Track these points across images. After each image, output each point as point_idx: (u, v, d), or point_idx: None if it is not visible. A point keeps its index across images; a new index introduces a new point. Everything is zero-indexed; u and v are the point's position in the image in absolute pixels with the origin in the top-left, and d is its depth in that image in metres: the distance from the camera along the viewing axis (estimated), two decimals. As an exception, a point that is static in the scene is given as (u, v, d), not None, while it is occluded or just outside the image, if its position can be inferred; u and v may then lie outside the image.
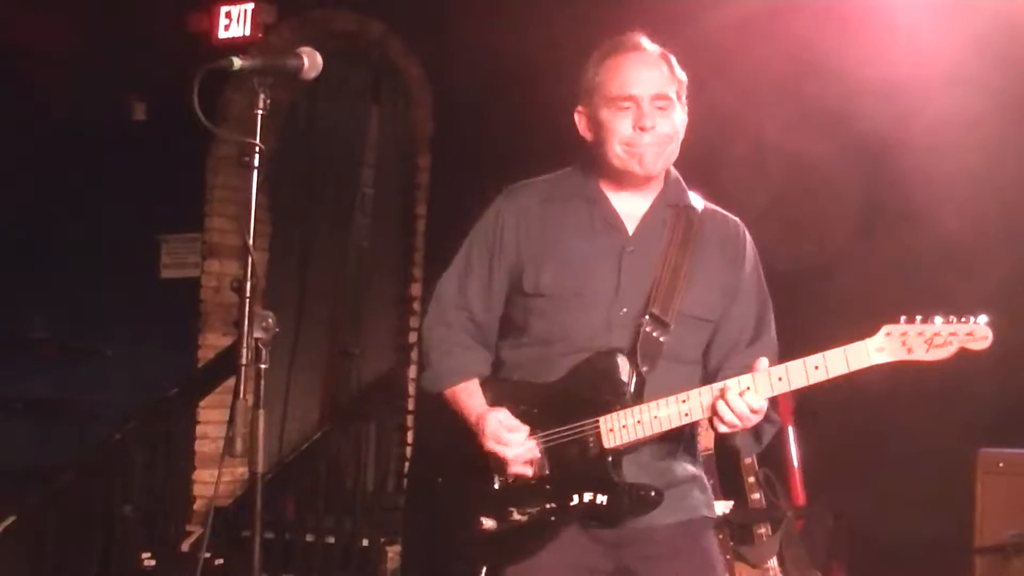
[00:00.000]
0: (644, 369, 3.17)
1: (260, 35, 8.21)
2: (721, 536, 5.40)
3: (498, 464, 3.22)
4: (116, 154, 8.67)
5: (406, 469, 7.49)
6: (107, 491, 7.75)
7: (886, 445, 5.72)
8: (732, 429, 3.08)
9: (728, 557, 5.38)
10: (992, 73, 5.53)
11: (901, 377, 4.90)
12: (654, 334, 3.19)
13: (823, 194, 5.84)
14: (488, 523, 3.24)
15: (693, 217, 3.33)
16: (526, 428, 3.20)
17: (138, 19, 8.33)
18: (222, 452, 2.87)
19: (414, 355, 7.43)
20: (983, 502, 5.05)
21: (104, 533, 7.77)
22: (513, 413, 3.22)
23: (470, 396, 3.31)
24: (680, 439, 3.24)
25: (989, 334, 2.97)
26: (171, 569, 7.67)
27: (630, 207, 3.32)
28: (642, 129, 3.20)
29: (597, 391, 3.18)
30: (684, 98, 3.31)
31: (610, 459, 3.16)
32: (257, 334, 2.84)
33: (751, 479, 5.47)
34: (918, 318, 2.98)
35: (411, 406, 7.48)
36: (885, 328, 2.99)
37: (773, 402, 3.17)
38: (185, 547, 7.88)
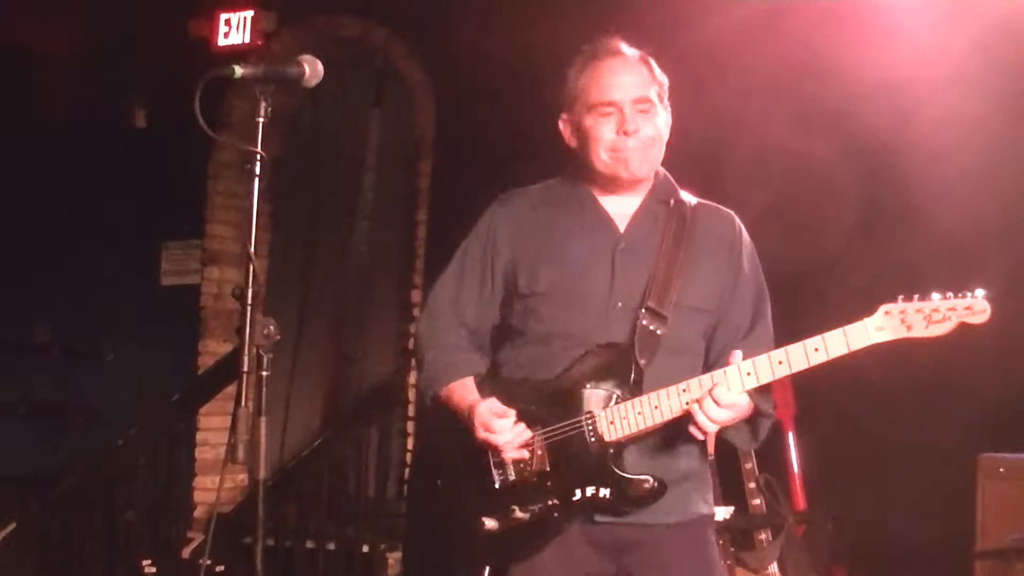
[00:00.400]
0: (643, 362, 3.19)
1: (260, 42, 8.20)
2: (722, 542, 5.39)
3: (498, 457, 3.23)
4: (117, 160, 8.67)
5: (407, 475, 7.50)
6: (108, 497, 7.76)
7: (887, 449, 5.72)
8: (709, 428, 3.09)
9: (729, 563, 5.38)
10: (992, 74, 5.54)
11: (901, 381, 4.92)
12: (651, 327, 3.21)
13: (823, 194, 5.84)
14: (490, 523, 3.25)
15: (685, 211, 3.35)
16: (513, 412, 3.21)
17: (138, 26, 8.33)
18: (224, 459, 2.87)
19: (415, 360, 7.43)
20: (984, 506, 5.05)
21: (105, 539, 7.78)
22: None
23: (464, 392, 3.32)
24: (680, 432, 3.24)
25: (987, 307, 2.97)
26: (172, 576, 7.68)
27: (620, 208, 3.35)
28: (625, 134, 3.23)
29: (596, 385, 3.20)
30: (666, 100, 3.33)
31: (612, 452, 3.18)
32: (258, 341, 2.85)
33: (751, 484, 5.47)
34: (916, 296, 3.00)
35: (412, 412, 7.48)
36: (883, 307, 3.01)
37: (762, 393, 3.19)
38: (186, 554, 7.88)
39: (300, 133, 8.70)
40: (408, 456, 7.53)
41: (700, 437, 3.14)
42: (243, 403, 2.84)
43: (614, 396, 3.18)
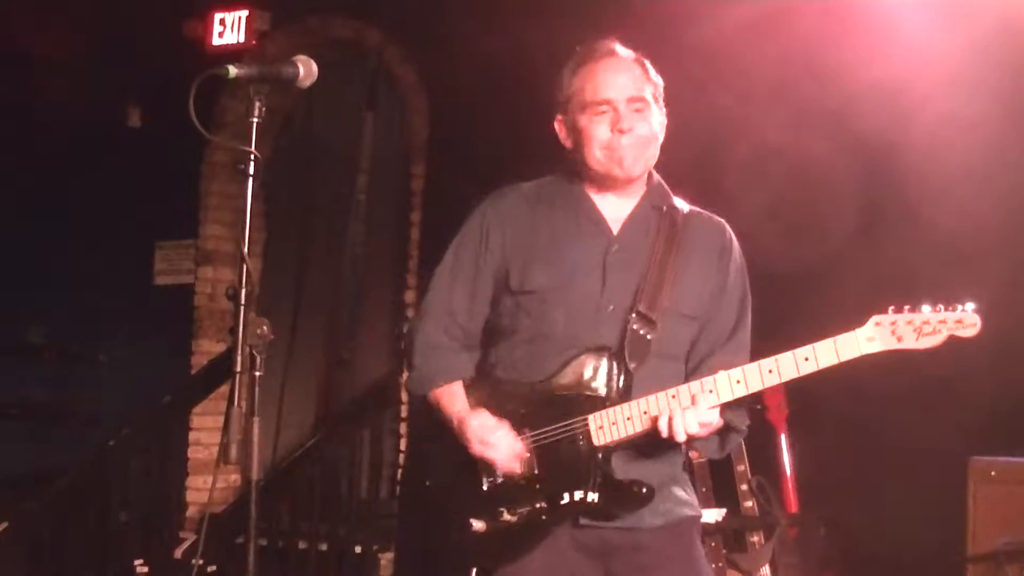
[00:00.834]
0: (632, 366, 3.20)
1: (254, 41, 8.21)
2: (714, 544, 5.40)
3: (487, 465, 3.24)
4: (111, 160, 8.67)
5: (400, 476, 7.49)
6: (101, 497, 7.75)
7: (879, 453, 5.72)
8: (679, 437, 3.10)
9: (721, 564, 5.39)
10: (991, 74, 5.54)
11: (895, 384, 4.92)
12: (641, 331, 3.21)
13: (823, 194, 5.84)
14: (478, 524, 3.25)
15: (678, 218, 3.35)
16: (506, 424, 3.22)
17: (132, 25, 8.32)
18: (216, 459, 2.87)
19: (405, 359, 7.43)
20: (975, 510, 5.05)
21: (98, 539, 7.77)
22: (500, 414, 3.24)
23: (452, 399, 3.33)
24: (665, 441, 3.24)
25: (978, 321, 2.98)
26: (164, 576, 7.68)
27: (614, 209, 3.35)
28: (620, 132, 3.23)
29: (586, 389, 3.20)
30: (661, 100, 3.33)
31: (600, 456, 3.18)
32: (252, 341, 2.85)
33: (744, 487, 5.47)
34: (906, 308, 3.00)
35: (405, 413, 7.48)
36: (874, 318, 3.02)
37: (736, 410, 3.22)
38: (178, 554, 7.87)
39: (294, 134, 8.71)
40: (401, 457, 7.53)
41: (680, 439, 3.13)
42: (236, 403, 2.84)
43: (603, 401, 3.19)
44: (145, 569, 7.69)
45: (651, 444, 3.25)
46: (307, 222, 8.81)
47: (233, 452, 2.83)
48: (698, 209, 3.43)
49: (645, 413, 3.14)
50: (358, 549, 7.26)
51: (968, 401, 5.33)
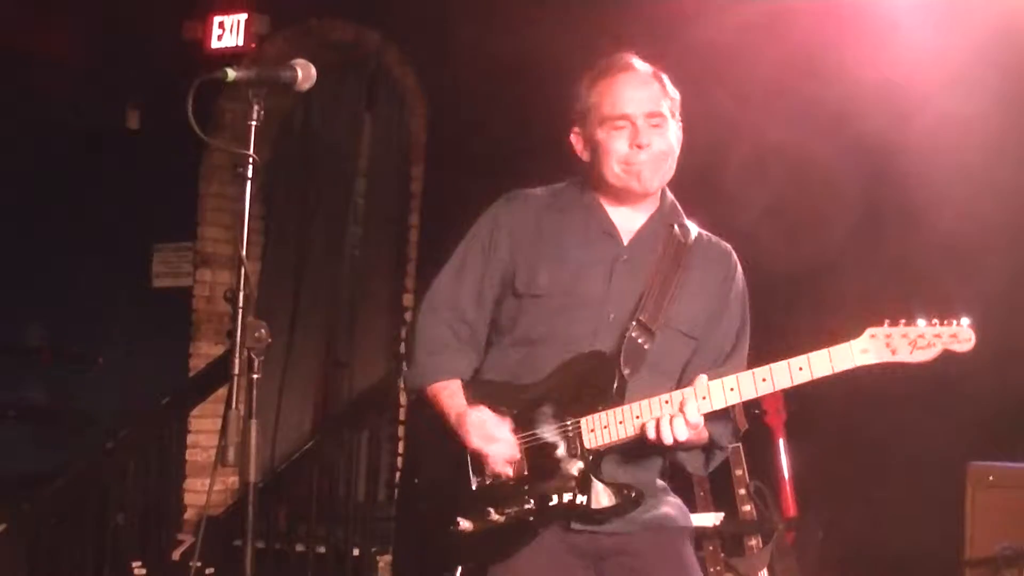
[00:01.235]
0: (627, 371, 3.21)
1: (253, 45, 8.21)
2: (712, 548, 5.40)
3: (479, 462, 3.24)
4: (109, 162, 8.68)
5: (397, 479, 7.49)
6: (99, 499, 7.75)
7: (878, 457, 5.72)
8: (667, 441, 3.09)
9: (719, 568, 5.39)
10: (992, 74, 5.54)
11: (892, 389, 4.92)
12: (639, 340, 3.23)
13: (823, 194, 5.84)
14: (465, 524, 3.25)
15: (687, 237, 3.38)
16: (508, 421, 3.23)
17: (132, 28, 8.32)
18: (214, 461, 2.87)
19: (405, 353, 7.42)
20: (973, 515, 5.05)
21: (95, 541, 7.76)
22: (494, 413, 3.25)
23: (451, 396, 3.33)
24: (656, 448, 3.25)
25: (972, 336, 3.00)
26: (162, 578, 7.67)
27: (626, 221, 3.37)
28: (638, 147, 3.25)
29: (579, 392, 3.22)
30: (678, 115, 3.36)
31: (591, 459, 3.20)
32: (250, 344, 2.85)
33: (742, 491, 5.47)
34: (902, 321, 3.02)
35: (403, 416, 7.47)
36: (869, 330, 3.03)
37: (724, 426, 3.24)
38: (176, 556, 7.87)
39: (293, 137, 8.71)
40: (399, 460, 7.53)
41: (667, 443, 3.12)
42: (234, 405, 2.84)
43: (596, 404, 3.20)
44: (143, 571, 7.69)
45: (639, 451, 3.26)
46: (305, 225, 8.81)
47: (231, 454, 2.83)
48: (707, 233, 3.46)
49: (637, 417, 3.15)
50: (356, 551, 7.26)
51: (967, 406, 5.33)
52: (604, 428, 3.18)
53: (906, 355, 3.01)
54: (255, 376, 2.86)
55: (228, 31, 8.25)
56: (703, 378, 3.12)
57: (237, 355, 2.85)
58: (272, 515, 7.39)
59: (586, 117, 3.33)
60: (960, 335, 3.00)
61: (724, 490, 5.46)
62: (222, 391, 7.09)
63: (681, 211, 3.44)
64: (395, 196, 8.27)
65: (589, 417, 3.19)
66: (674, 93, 3.36)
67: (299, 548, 7.39)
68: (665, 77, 3.36)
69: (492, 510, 3.23)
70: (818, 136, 5.78)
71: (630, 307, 3.26)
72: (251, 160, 2.90)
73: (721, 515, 5.43)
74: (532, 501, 3.22)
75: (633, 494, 3.18)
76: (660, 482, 3.38)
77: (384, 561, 7.22)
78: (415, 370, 3.42)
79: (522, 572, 3.23)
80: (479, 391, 3.32)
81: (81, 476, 7.77)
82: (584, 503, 3.19)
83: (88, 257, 8.67)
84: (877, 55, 5.78)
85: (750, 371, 3.10)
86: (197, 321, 8.64)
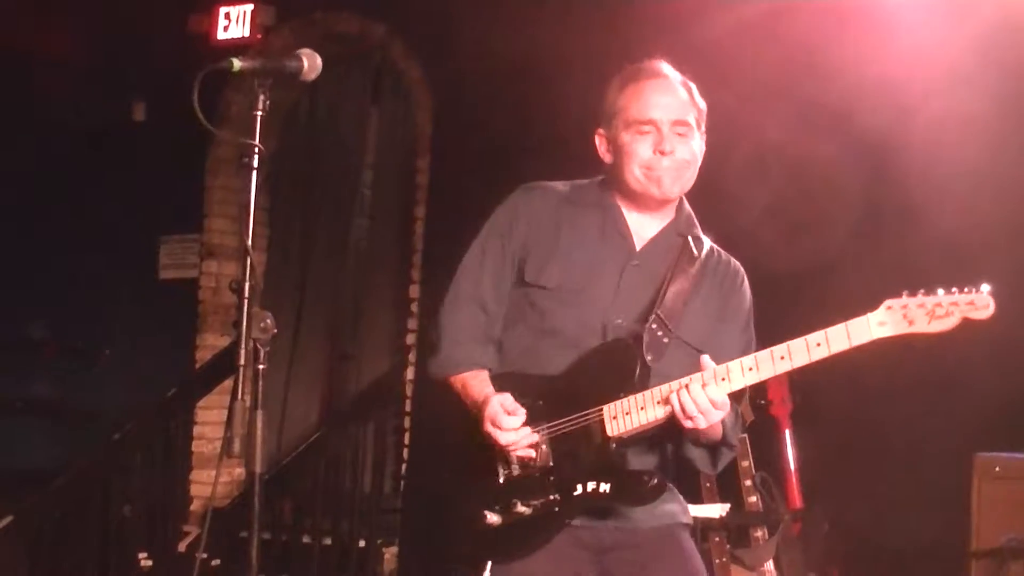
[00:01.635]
0: (650, 358, 3.21)
1: (259, 36, 8.21)
2: (718, 539, 5.41)
3: (504, 457, 3.26)
4: (115, 154, 8.68)
5: (403, 471, 7.50)
6: (105, 491, 7.76)
7: (883, 448, 5.72)
8: (695, 423, 3.08)
9: (724, 560, 5.39)
10: (992, 73, 5.53)
11: (898, 380, 4.92)
12: (659, 333, 3.24)
13: (823, 194, 5.83)
14: (492, 517, 3.26)
15: (699, 250, 3.39)
16: (523, 411, 3.22)
17: (137, 20, 8.32)
18: (220, 453, 2.87)
19: (412, 357, 7.44)
20: (979, 506, 5.04)
21: (101, 533, 7.78)
22: (520, 404, 3.24)
23: (481, 383, 3.35)
24: (671, 438, 3.27)
25: (991, 303, 2.95)
26: (168, 569, 7.69)
27: (642, 226, 3.39)
28: (662, 153, 3.27)
29: (603, 380, 3.22)
30: (704, 126, 3.37)
31: (614, 446, 3.20)
32: (256, 335, 2.85)
33: (748, 482, 5.47)
34: (920, 292, 2.98)
35: (409, 408, 7.48)
36: (887, 302, 3.00)
37: (734, 423, 3.24)
38: (182, 547, 7.89)
39: (298, 128, 8.71)
40: (405, 452, 7.54)
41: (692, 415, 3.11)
42: (240, 397, 2.84)
43: (619, 391, 3.19)
44: (149, 562, 7.71)
45: (647, 447, 3.28)
46: (311, 217, 8.81)
47: (237, 446, 2.83)
48: (719, 248, 3.47)
49: (659, 403, 3.14)
50: (362, 543, 7.27)
51: (973, 397, 5.32)
52: (626, 415, 3.17)
53: (924, 325, 2.95)
54: (261, 367, 2.86)
55: (234, 23, 8.25)
56: (705, 357, 3.11)
57: (243, 346, 2.85)
58: (278, 507, 7.40)
59: (612, 119, 3.35)
60: (978, 302, 2.94)
61: (730, 481, 5.45)
62: (228, 383, 7.10)
63: (696, 223, 3.45)
64: (401, 188, 8.27)
65: (611, 404, 3.19)
66: (702, 103, 3.37)
67: (305, 540, 7.40)
68: (694, 87, 3.37)
69: (518, 502, 3.24)
70: (818, 135, 5.77)
71: (636, 313, 3.28)
72: (257, 150, 2.91)
73: (727, 506, 5.43)
74: (557, 491, 3.22)
75: (655, 480, 3.17)
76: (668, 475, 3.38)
77: (390, 553, 7.24)
78: (441, 359, 3.43)
79: (539, 567, 3.24)
80: (503, 382, 3.33)
81: (87, 468, 7.79)
82: (607, 491, 3.19)
83: (94, 249, 8.67)
84: (877, 53, 5.77)
85: (768, 349, 3.08)
86: (203, 313, 8.64)
